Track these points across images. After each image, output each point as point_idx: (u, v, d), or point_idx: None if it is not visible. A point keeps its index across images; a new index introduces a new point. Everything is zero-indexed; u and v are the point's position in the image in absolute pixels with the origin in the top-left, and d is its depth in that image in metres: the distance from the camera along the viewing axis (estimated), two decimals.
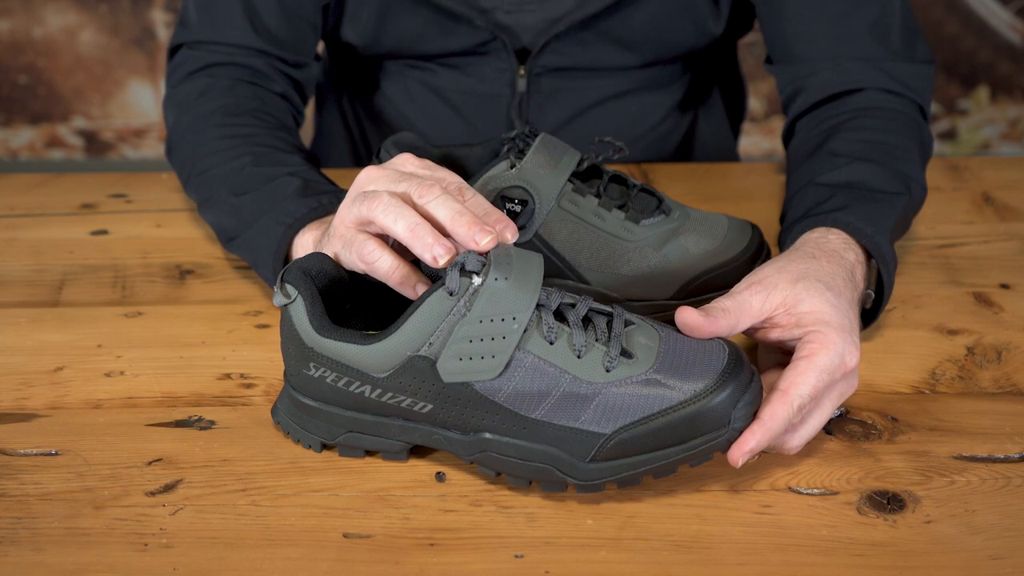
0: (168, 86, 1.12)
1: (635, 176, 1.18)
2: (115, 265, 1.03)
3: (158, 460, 0.80)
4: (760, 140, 2.76)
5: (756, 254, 0.93)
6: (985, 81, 2.76)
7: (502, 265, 0.73)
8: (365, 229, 0.79)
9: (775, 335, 0.80)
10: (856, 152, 0.98)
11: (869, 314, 0.90)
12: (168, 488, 0.77)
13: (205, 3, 1.10)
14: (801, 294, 0.79)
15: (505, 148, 0.90)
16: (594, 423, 0.73)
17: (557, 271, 0.91)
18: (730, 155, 1.38)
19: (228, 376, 0.88)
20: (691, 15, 1.16)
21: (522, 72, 1.18)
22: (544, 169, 0.90)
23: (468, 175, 0.94)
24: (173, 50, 1.13)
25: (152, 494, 0.77)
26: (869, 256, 0.89)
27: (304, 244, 0.91)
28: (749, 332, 0.81)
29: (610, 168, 0.96)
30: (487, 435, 0.75)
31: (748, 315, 0.79)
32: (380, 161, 0.92)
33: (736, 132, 1.41)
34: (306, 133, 1.51)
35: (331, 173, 1.23)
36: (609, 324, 0.76)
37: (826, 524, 0.74)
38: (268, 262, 0.92)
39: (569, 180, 0.91)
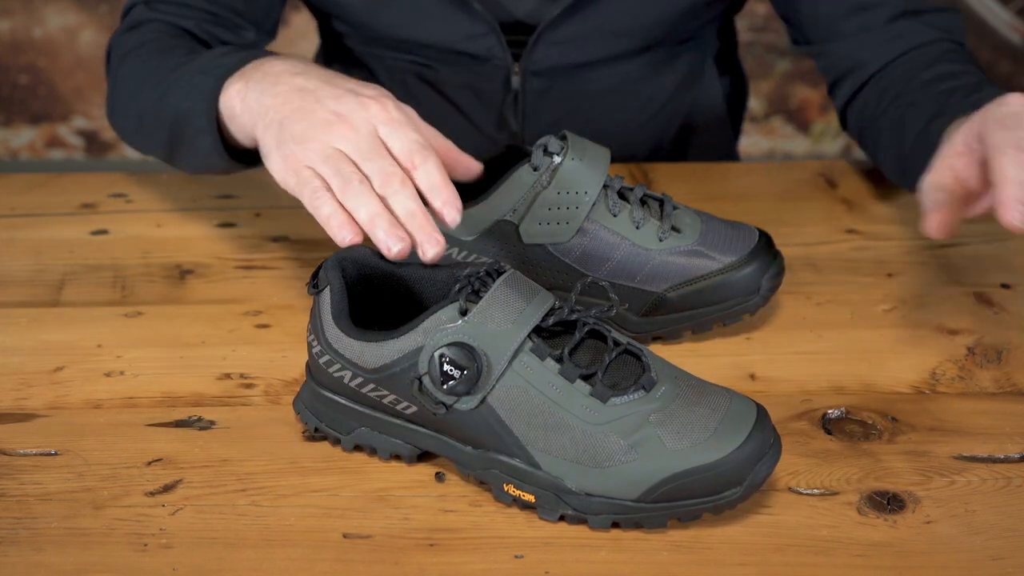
0: (111, 38, 1.12)
1: (635, 176, 1.18)
2: (115, 265, 1.03)
3: (158, 460, 0.80)
4: (760, 140, 2.76)
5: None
6: None
7: (577, 148, 0.89)
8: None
9: (972, 145, 0.84)
10: (945, 75, 1.03)
11: None
12: (168, 488, 0.77)
13: None
14: (975, 117, 0.85)
15: (457, 287, 0.74)
16: (647, 283, 0.89)
17: (498, 442, 0.74)
18: (730, 148, 1.38)
19: (228, 376, 0.88)
20: None
21: (517, 70, 1.18)
22: (498, 323, 0.73)
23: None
24: (127, 10, 1.14)
25: (152, 494, 0.77)
26: None
27: (229, 95, 0.92)
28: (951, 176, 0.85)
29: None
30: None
31: (942, 172, 0.85)
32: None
33: (736, 128, 1.41)
34: None
35: None
36: (661, 205, 0.91)
37: (826, 524, 0.74)
38: (202, 109, 0.94)
39: (530, 337, 0.73)
